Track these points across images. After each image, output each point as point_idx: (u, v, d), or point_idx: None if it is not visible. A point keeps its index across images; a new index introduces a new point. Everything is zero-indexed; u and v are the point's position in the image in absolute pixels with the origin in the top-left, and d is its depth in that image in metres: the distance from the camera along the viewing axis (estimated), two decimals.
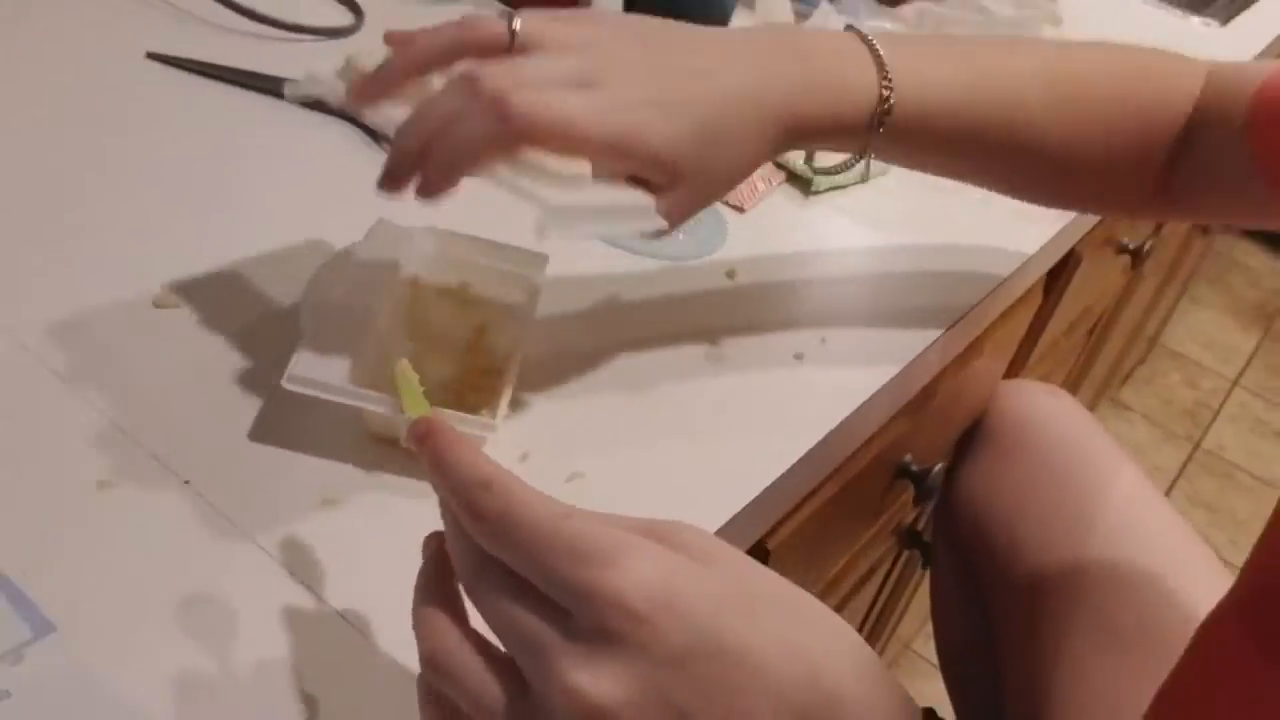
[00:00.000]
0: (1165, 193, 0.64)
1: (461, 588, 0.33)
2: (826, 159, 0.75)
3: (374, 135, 0.67)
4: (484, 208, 0.65)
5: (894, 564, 1.02)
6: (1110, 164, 0.62)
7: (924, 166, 0.61)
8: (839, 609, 0.90)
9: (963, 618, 0.93)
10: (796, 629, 0.33)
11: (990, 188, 0.64)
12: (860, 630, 1.08)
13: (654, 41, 0.49)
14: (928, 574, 1.01)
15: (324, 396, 0.46)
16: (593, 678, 0.29)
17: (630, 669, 0.30)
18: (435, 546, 0.35)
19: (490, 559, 0.32)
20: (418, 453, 0.34)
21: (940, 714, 0.36)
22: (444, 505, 0.34)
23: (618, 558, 0.30)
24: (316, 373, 0.46)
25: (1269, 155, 0.61)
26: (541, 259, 0.55)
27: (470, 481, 0.32)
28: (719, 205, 0.70)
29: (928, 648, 1.63)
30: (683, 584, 0.31)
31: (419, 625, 0.33)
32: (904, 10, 0.92)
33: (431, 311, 0.54)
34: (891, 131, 0.55)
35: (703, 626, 0.30)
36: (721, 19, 0.85)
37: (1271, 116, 0.60)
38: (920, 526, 0.98)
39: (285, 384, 0.46)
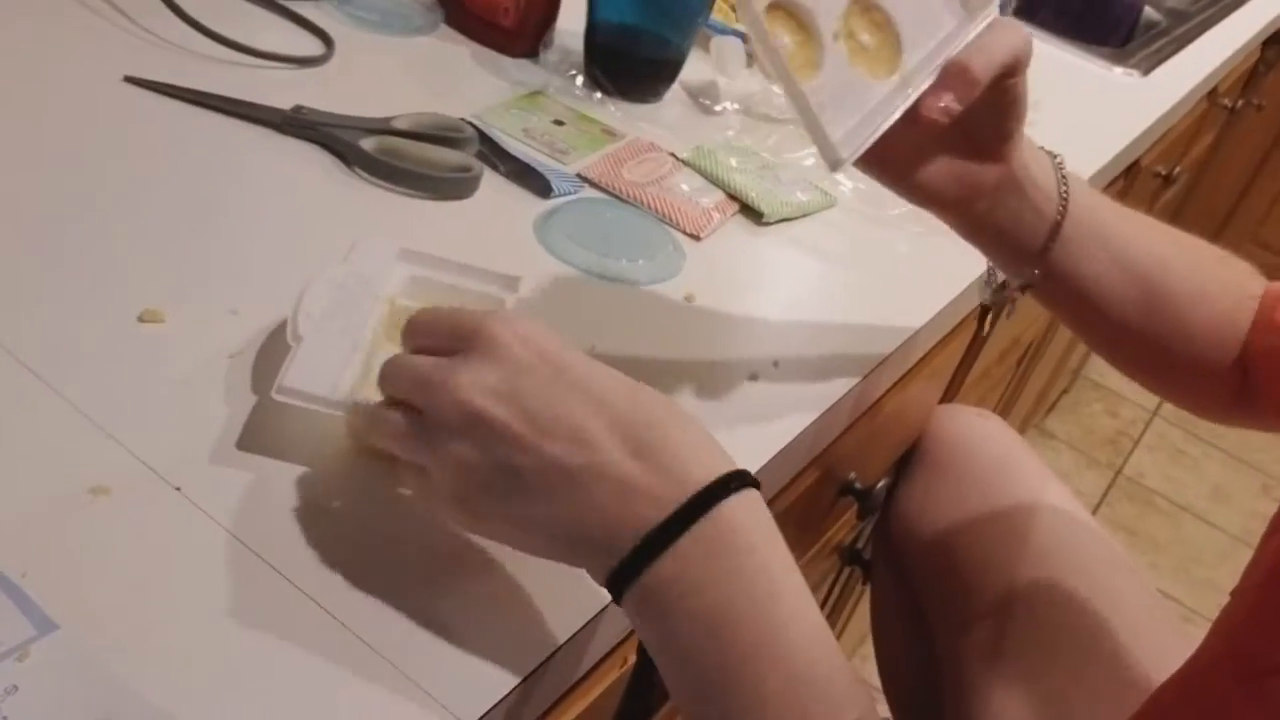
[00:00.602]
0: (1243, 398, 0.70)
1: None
2: (787, 200, 0.80)
3: (346, 160, 0.70)
4: (461, 231, 0.68)
5: (835, 582, 1.06)
6: (1196, 362, 0.68)
7: (1074, 293, 0.65)
8: None
9: (902, 634, 0.97)
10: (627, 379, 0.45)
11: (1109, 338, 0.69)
12: None
13: None
14: (867, 593, 1.05)
15: (313, 408, 0.48)
16: (467, 378, 0.43)
17: (493, 372, 0.43)
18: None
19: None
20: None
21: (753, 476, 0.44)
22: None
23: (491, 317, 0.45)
24: (305, 384, 0.48)
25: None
26: (514, 281, 0.58)
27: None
28: (676, 233, 0.74)
29: (865, 668, 1.67)
30: (539, 330, 0.45)
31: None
32: None
33: None
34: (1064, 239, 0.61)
35: (548, 350, 0.44)
36: (676, 63, 0.90)
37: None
38: (861, 545, 1.02)
39: (275, 395, 0.48)
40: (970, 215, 0.61)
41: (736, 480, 0.43)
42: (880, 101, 0.54)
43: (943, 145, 0.58)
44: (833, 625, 1.15)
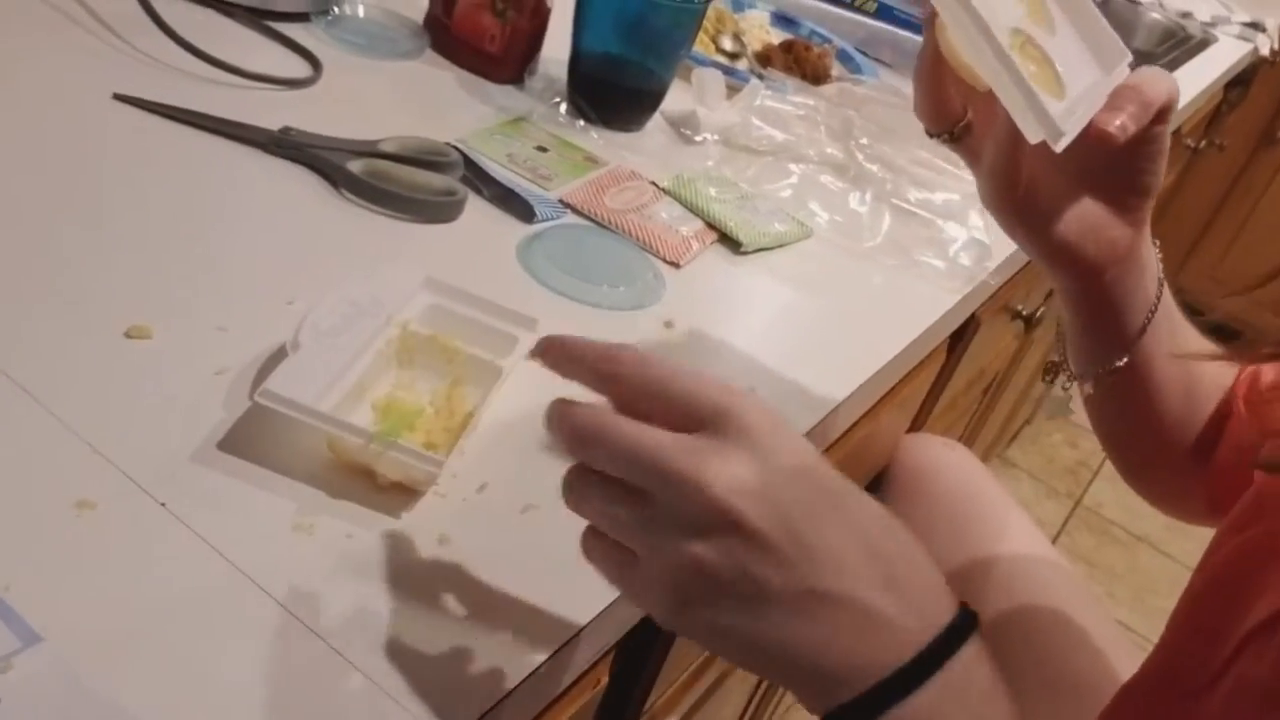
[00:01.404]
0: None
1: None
2: (765, 230, 0.81)
3: (333, 181, 0.71)
4: (445, 254, 0.69)
5: None
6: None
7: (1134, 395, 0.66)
8: None
9: None
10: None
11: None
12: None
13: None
14: None
15: (294, 415, 0.49)
16: (724, 471, 0.38)
17: (751, 471, 0.38)
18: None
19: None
20: (545, 361, 0.44)
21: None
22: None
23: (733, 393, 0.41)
24: (290, 392, 0.49)
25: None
26: (531, 321, 0.59)
27: (606, 348, 0.43)
28: (656, 260, 0.75)
29: None
30: (784, 424, 0.41)
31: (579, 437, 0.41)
32: (826, 89, 1.00)
33: (416, 357, 0.57)
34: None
35: (804, 455, 0.40)
36: (658, 93, 0.91)
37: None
38: None
39: (257, 398, 0.49)
40: (1097, 284, 0.61)
41: (971, 619, 0.41)
42: (1067, 106, 0.52)
43: (1088, 187, 0.57)
44: None
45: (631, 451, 0.39)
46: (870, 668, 0.39)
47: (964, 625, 0.41)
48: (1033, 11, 0.55)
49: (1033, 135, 0.50)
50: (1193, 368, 0.67)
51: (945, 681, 0.39)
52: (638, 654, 0.66)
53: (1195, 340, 0.68)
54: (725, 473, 0.38)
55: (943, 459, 0.97)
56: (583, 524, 0.53)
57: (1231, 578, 0.59)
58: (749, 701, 1.15)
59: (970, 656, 0.40)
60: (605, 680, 0.58)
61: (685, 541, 0.38)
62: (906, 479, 0.97)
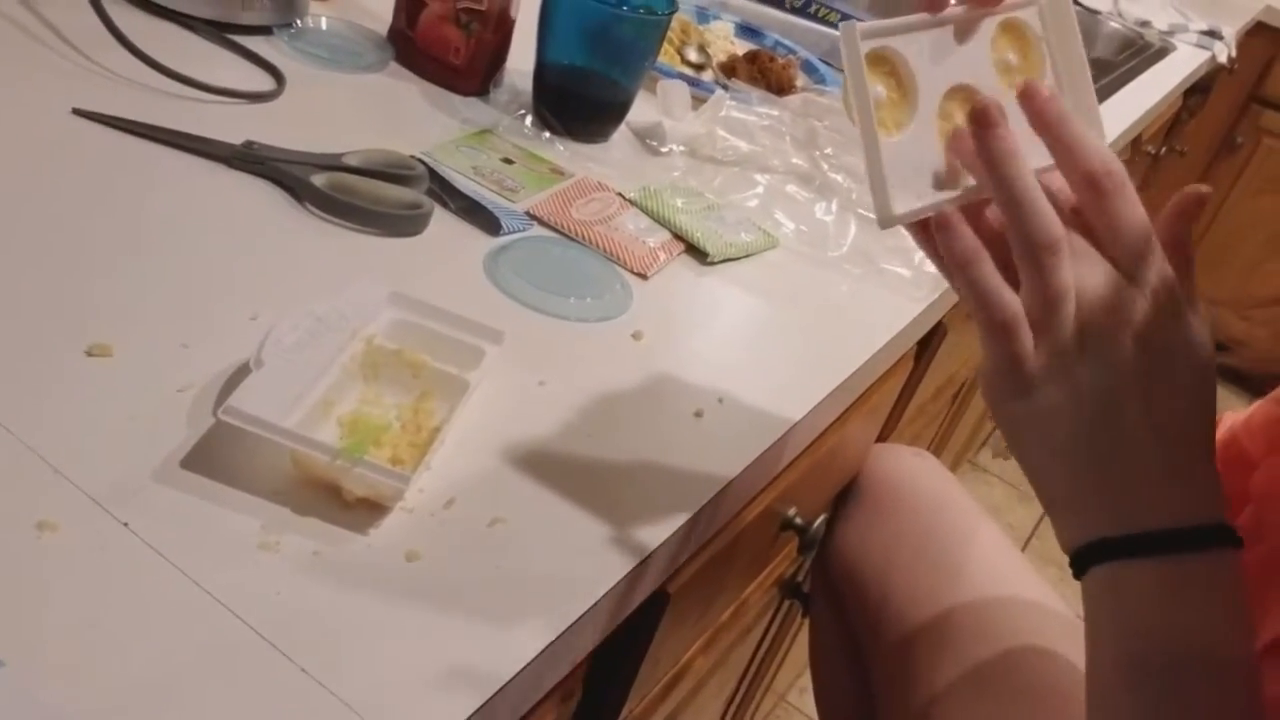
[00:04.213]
0: None
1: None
2: (731, 241, 0.82)
3: (297, 195, 0.70)
4: (411, 267, 0.69)
5: (774, 615, 1.07)
6: None
7: None
8: (724, 659, 0.94)
9: (840, 667, 0.98)
10: None
11: None
12: (740, 681, 1.13)
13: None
14: (806, 625, 1.06)
15: (257, 432, 0.49)
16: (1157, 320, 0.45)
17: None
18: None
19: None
20: (1031, 110, 0.48)
21: None
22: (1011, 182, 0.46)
23: None
24: (253, 408, 0.49)
25: None
26: (497, 334, 0.59)
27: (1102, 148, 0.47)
28: (623, 271, 0.75)
29: (802, 699, 1.68)
30: None
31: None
32: (791, 99, 1.00)
33: (382, 372, 0.57)
34: None
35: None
36: (624, 104, 0.91)
37: None
38: (800, 578, 1.04)
39: (220, 414, 0.49)
40: None
41: (1237, 539, 0.45)
42: (952, 183, 0.52)
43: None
44: (772, 657, 1.16)
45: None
46: (1163, 512, 0.44)
47: (1233, 534, 0.45)
48: (1022, 68, 0.54)
49: (877, 215, 0.51)
50: None
51: (1212, 560, 0.44)
52: (611, 663, 0.65)
53: None
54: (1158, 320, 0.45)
55: (912, 468, 0.97)
56: (554, 540, 0.53)
57: None
58: (725, 709, 1.15)
59: (1235, 559, 0.45)
60: (578, 694, 0.58)
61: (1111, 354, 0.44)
62: (876, 488, 0.98)
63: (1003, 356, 0.46)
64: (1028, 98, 0.48)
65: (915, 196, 0.51)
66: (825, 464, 0.83)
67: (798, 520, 0.81)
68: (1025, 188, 0.45)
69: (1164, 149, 2.09)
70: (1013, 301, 0.46)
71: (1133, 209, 0.46)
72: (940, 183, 0.52)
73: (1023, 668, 0.80)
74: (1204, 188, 0.48)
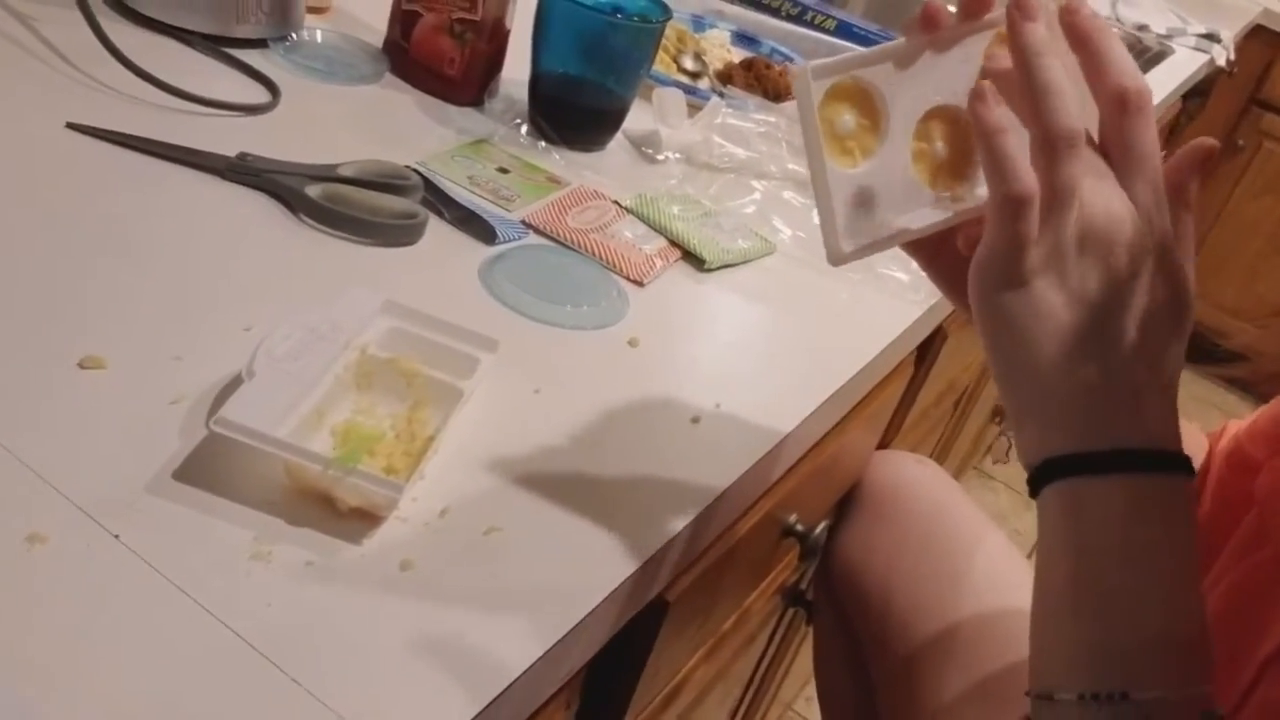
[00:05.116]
0: None
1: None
2: (728, 247, 0.81)
3: (291, 206, 0.70)
4: (406, 277, 0.69)
5: (778, 624, 1.07)
6: None
7: None
8: (727, 668, 0.94)
9: (844, 676, 0.98)
10: None
11: None
12: (745, 690, 1.12)
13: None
14: (810, 634, 1.06)
15: (249, 442, 0.48)
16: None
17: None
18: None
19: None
20: (1069, 22, 0.48)
21: None
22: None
23: None
24: (245, 419, 0.49)
25: None
26: (492, 342, 0.59)
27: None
28: (619, 279, 0.75)
29: (809, 708, 1.67)
30: None
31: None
32: (787, 106, 1.00)
33: (375, 381, 0.57)
34: None
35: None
36: (619, 112, 0.91)
37: None
38: (804, 586, 1.03)
39: (212, 426, 0.48)
40: None
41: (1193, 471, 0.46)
42: (923, 210, 0.52)
43: None
44: (777, 666, 1.15)
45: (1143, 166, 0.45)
46: (1118, 432, 0.44)
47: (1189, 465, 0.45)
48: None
49: (827, 253, 0.51)
50: None
51: (1165, 484, 0.44)
52: (610, 673, 0.65)
53: None
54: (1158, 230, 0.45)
55: (914, 475, 0.96)
56: (549, 549, 0.53)
57: (1244, 604, 0.60)
58: (731, 717, 1.14)
59: (1190, 487, 0.45)
60: (576, 704, 0.57)
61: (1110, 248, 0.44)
62: (877, 495, 0.97)
63: (1007, 236, 0.45)
64: (1069, 11, 0.47)
65: (872, 229, 0.51)
66: (825, 470, 0.82)
67: (798, 527, 0.81)
68: (1054, 78, 0.45)
69: (1164, 154, 2.09)
70: (1031, 180, 0.45)
71: (1151, 133, 0.46)
72: (910, 203, 0.52)
73: (1024, 671, 0.79)
74: (1212, 140, 0.47)
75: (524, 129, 0.89)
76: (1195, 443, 0.72)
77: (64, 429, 0.50)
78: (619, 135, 0.93)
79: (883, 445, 1.04)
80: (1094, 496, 0.44)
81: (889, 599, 0.90)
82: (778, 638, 1.09)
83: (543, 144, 0.88)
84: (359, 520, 0.51)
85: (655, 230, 0.81)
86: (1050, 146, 0.45)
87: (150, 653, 0.42)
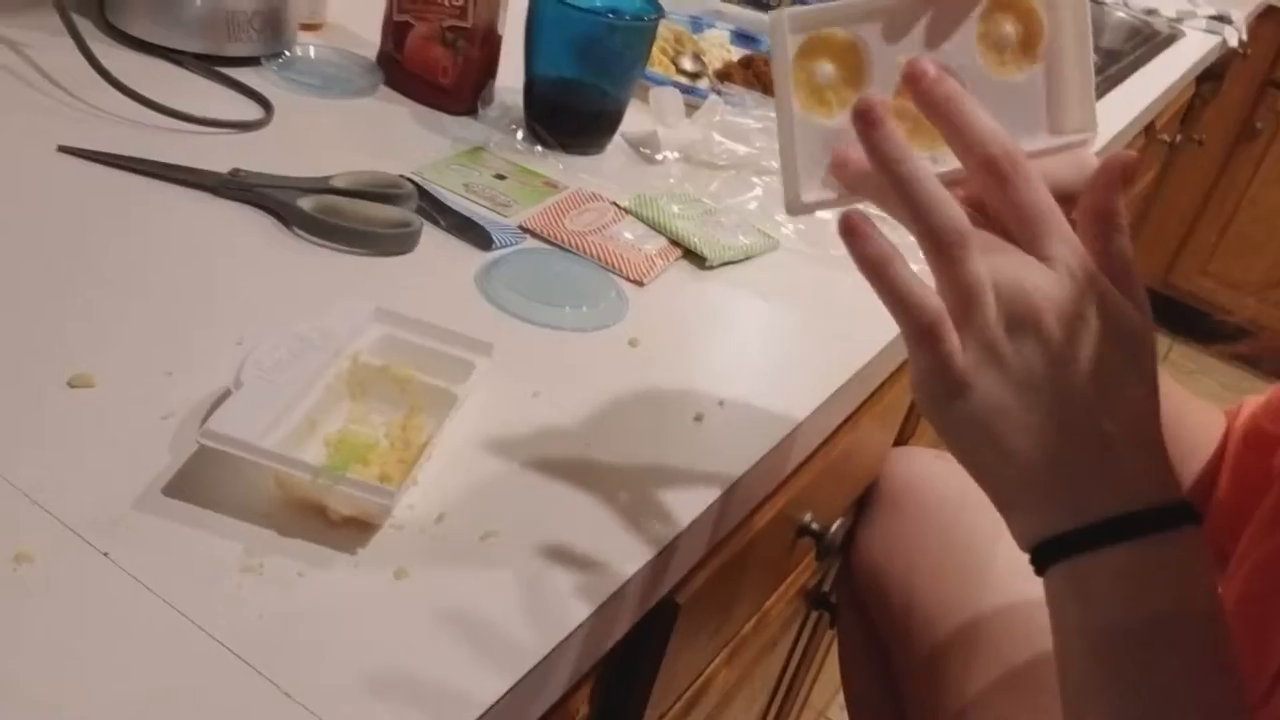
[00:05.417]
0: None
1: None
2: (730, 244, 0.80)
3: (285, 220, 0.70)
4: (403, 285, 0.68)
5: (802, 627, 1.05)
6: None
7: None
8: (750, 672, 0.92)
9: (871, 679, 0.96)
10: None
11: None
12: (772, 698, 1.10)
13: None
14: (835, 637, 1.04)
15: (236, 453, 0.48)
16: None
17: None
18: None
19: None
20: (918, 93, 0.45)
21: None
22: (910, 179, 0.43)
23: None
24: (236, 431, 0.48)
25: None
26: (486, 346, 0.58)
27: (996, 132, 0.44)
28: (619, 280, 0.74)
29: (844, 716, 1.64)
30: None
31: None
32: None
33: (369, 389, 0.56)
34: None
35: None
36: (615, 114, 0.90)
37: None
38: (826, 588, 1.02)
39: (200, 439, 0.48)
40: None
41: (1196, 515, 0.44)
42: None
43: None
44: (805, 671, 1.13)
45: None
46: (1111, 501, 0.42)
47: (1190, 511, 0.43)
48: (1023, 39, 0.50)
49: (785, 200, 0.49)
50: (1173, 423, 0.66)
51: (1175, 540, 0.42)
52: (624, 678, 0.64)
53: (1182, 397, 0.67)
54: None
55: (932, 470, 0.95)
56: (548, 553, 0.51)
57: (1267, 588, 0.58)
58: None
59: (1194, 538, 0.43)
60: (585, 710, 0.56)
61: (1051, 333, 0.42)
62: (896, 492, 0.96)
63: (932, 359, 0.44)
64: (913, 80, 0.45)
65: (838, 183, 0.49)
66: (839, 467, 0.81)
67: (814, 526, 0.79)
68: (922, 186, 0.43)
69: (1179, 137, 2.06)
70: (934, 302, 0.44)
71: (1034, 189, 0.43)
72: None
73: (1051, 659, 0.77)
74: (1132, 154, 0.45)
75: (520, 135, 0.88)
76: (1212, 420, 0.70)
77: (52, 448, 0.50)
78: (617, 137, 0.92)
79: (900, 442, 1.03)
80: (1091, 572, 0.43)
81: (911, 596, 0.88)
82: (803, 641, 1.07)
83: (539, 149, 0.87)
84: (353, 530, 0.50)
85: (655, 230, 0.80)
86: (939, 251, 0.43)
87: (139, 669, 0.41)
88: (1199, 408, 0.71)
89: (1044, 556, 0.44)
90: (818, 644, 1.14)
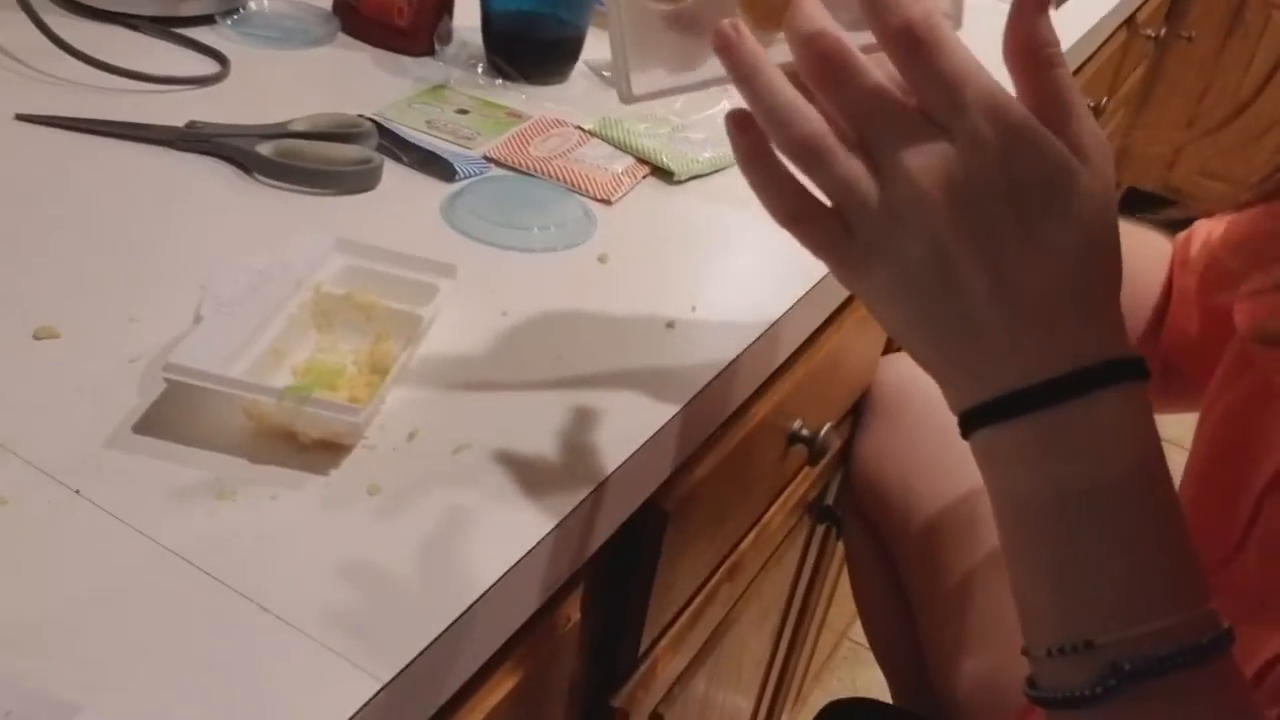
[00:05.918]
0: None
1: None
2: (697, 158, 0.79)
3: (244, 167, 0.69)
4: (367, 221, 0.68)
5: (809, 542, 1.05)
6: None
7: None
8: (757, 587, 0.93)
9: (881, 588, 0.96)
10: None
11: None
12: (784, 614, 1.11)
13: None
14: (844, 550, 1.04)
15: (200, 384, 0.48)
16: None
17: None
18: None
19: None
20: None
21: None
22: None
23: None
24: (199, 363, 0.48)
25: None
26: (450, 268, 0.58)
27: None
28: (586, 200, 0.74)
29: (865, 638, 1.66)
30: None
31: (785, 119, 0.41)
32: None
33: (335, 319, 0.56)
34: None
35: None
36: (575, 41, 0.90)
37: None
38: (830, 501, 1.02)
39: (163, 372, 0.48)
40: None
41: (1137, 368, 0.41)
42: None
43: None
44: (817, 588, 1.14)
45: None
46: (1018, 370, 0.40)
47: (1129, 366, 0.40)
48: None
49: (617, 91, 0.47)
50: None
51: (1098, 402, 0.40)
52: (619, 594, 0.64)
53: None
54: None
55: (921, 372, 0.94)
56: (523, 462, 0.52)
57: (1236, 434, 0.57)
58: (775, 644, 1.13)
59: (1127, 395, 0.40)
60: (575, 617, 0.57)
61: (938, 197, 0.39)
62: (887, 397, 0.95)
63: (810, 245, 0.42)
64: None
65: (676, 71, 0.46)
66: (825, 373, 0.80)
67: (804, 432, 0.79)
68: (778, 98, 0.41)
69: (1164, 30, 2.03)
70: (798, 207, 0.42)
71: (952, 56, 0.40)
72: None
73: None
74: None
75: (481, 69, 0.88)
76: (1157, 249, 0.70)
77: (20, 397, 0.50)
78: (579, 64, 0.91)
79: (891, 349, 1.02)
80: (1000, 443, 0.41)
81: (910, 497, 0.88)
82: (811, 556, 1.08)
83: (501, 82, 0.87)
84: (325, 452, 0.50)
85: (621, 150, 0.80)
86: (801, 162, 0.41)
87: (118, 601, 0.42)
88: (1144, 239, 0.71)
89: (965, 425, 0.42)
90: (829, 561, 1.15)
